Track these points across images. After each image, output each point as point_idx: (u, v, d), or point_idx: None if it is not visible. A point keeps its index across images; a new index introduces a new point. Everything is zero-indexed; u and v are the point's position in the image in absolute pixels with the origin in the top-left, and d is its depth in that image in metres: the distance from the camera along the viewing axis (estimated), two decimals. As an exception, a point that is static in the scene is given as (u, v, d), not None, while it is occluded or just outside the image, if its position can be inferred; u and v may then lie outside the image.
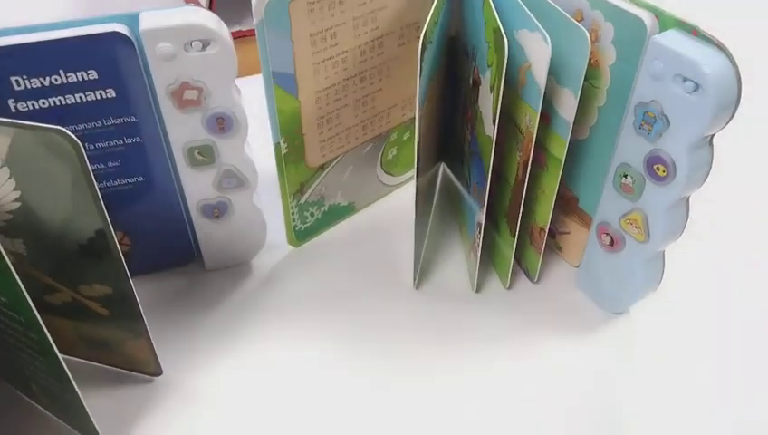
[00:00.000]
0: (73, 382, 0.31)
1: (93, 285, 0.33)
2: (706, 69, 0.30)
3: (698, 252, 0.45)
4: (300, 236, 0.46)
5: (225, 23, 0.35)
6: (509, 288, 0.43)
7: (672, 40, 0.31)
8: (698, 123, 0.31)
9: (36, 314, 0.28)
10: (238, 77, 0.36)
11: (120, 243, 0.41)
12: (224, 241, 0.43)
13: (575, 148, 0.39)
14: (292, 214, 0.44)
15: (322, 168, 0.44)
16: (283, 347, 0.40)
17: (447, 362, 0.40)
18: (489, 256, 0.44)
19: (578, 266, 0.43)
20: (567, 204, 0.42)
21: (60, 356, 0.30)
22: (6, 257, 0.26)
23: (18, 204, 0.30)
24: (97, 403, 0.36)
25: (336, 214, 0.48)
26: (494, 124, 0.34)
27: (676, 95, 0.32)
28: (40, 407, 0.37)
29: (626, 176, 0.36)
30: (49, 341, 0.29)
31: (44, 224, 0.31)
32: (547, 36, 0.32)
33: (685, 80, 0.31)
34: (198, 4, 0.62)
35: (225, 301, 0.43)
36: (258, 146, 0.40)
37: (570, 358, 0.40)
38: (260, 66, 0.36)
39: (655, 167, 0.34)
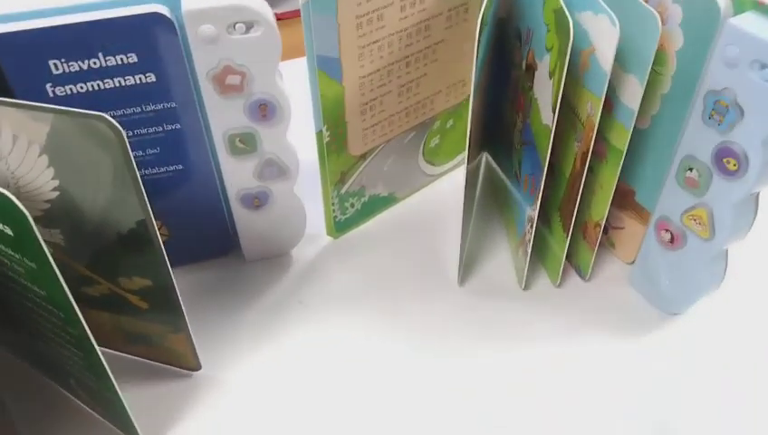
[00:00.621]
0: (113, 379, 0.30)
1: (133, 277, 0.32)
2: (788, 55, 0.28)
3: (763, 250, 0.42)
4: (339, 227, 0.45)
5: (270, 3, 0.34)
6: (559, 286, 0.41)
7: (749, 23, 0.29)
8: (779, 112, 0.29)
9: (77, 309, 0.27)
10: (282, 60, 0.34)
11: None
12: (263, 232, 0.41)
13: (634, 138, 0.37)
14: (333, 205, 0.43)
15: (364, 157, 0.42)
16: (322, 342, 0.39)
17: (493, 362, 0.38)
18: (538, 252, 0.42)
19: (632, 264, 0.41)
20: (623, 197, 0.40)
21: (99, 353, 0.29)
22: (47, 251, 0.25)
23: (57, 193, 0.29)
24: (134, 397, 0.35)
25: (376, 205, 0.46)
26: (554, 113, 0.32)
27: (752, 83, 0.29)
28: (78, 401, 0.36)
29: (691, 169, 0.34)
30: (89, 337, 0.28)
31: (83, 214, 0.30)
32: (615, 19, 0.30)
33: (763, 66, 0.29)
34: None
35: (265, 293, 0.42)
36: (298, 134, 0.39)
37: (623, 360, 0.38)
38: (297, 50, 0.34)
39: (725, 160, 0.32)
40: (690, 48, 0.32)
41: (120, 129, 0.26)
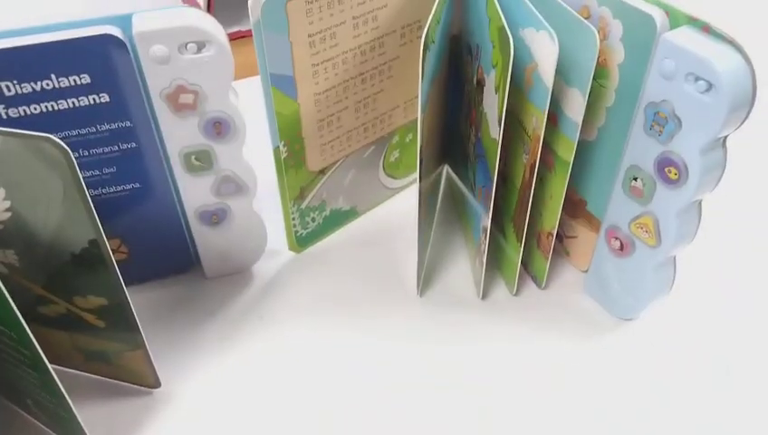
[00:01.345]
0: (68, 399, 0.30)
1: (88, 296, 0.32)
2: (719, 67, 0.29)
3: (711, 256, 0.43)
4: (301, 241, 0.45)
5: (224, 23, 0.34)
6: (516, 294, 0.42)
7: (683, 37, 0.30)
8: (711, 124, 0.30)
9: (27, 329, 0.27)
10: (238, 78, 0.35)
11: (116, 251, 0.40)
12: (223, 248, 0.42)
13: (583, 149, 0.38)
14: (293, 219, 0.43)
15: (323, 172, 0.43)
16: (284, 358, 0.39)
17: (453, 371, 0.39)
18: (495, 262, 0.43)
19: (586, 271, 0.42)
20: (575, 207, 0.41)
21: (52, 371, 0.29)
22: (-6, 271, 0.25)
23: (9, 214, 0.29)
24: (94, 416, 0.35)
25: (338, 219, 0.47)
26: (500, 126, 0.33)
27: (688, 95, 0.30)
28: (37, 422, 0.36)
29: (636, 179, 0.35)
30: (40, 356, 0.28)
31: (37, 234, 0.30)
32: (554, 35, 0.31)
33: (697, 79, 0.30)
34: (196, 5, 0.61)
35: (226, 309, 0.42)
36: (258, 149, 0.39)
37: (579, 366, 0.39)
38: (254, 68, 0.35)
39: (666, 169, 0.33)
40: (631, 62, 0.33)
41: (68, 149, 0.26)
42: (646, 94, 0.33)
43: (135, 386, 0.37)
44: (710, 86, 0.29)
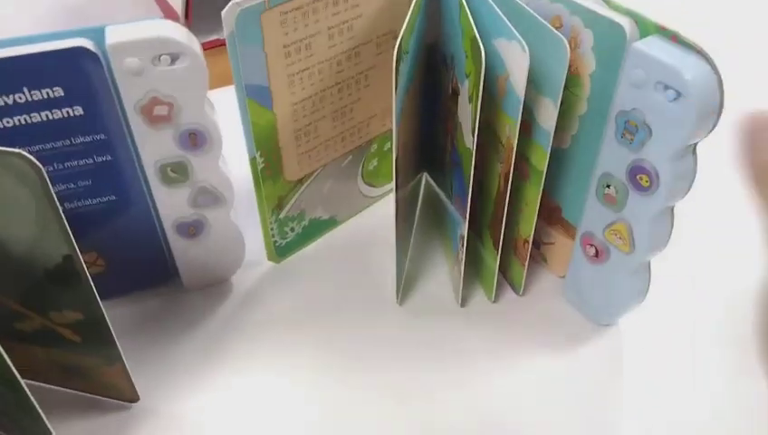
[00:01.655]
0: (42, 414, 0.30)
1: (63, 311, 0.32)
2: (688, 76, 0.29)
3: (684, 262, 0.44)
4: (280, 252, 0.45)
5: (203, 31, 0.34)
6: (494, 301, 0.43)
7: (652, 46, 0.31)
8: (681, 132, 0.31)
9: (-1, 346, 0.27)
10: (217, 87, 0.35)
11: (93, 264, 0.40)
12: (201, 260, 0.42)
13: (557, 157, 0.38)
14: (272, 230, 0.43)
15: (301, 181, 0.43)
16: (265, 368, 0.39)
17: (433, 378, 0.39)
18: (474, 269, 0.43)
19: (563, 277, 0.42)
20: (550, 214, 0.41)
21: (26, 389, 0.29)
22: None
23: (-20, 229, 0.29)
24: (72, 432, 0.35)
25: (317, 228, 0.47)
26: (474, 136, 0.34)
27: (657, 103, 0.31)
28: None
29: (609, 186, 0.35)
30: (13, 373, 0.28)
31: (9, 250, 0.30)
32: (525, 45, 0.31)
33: (666, 88, 0.30)
34: (174, 14, 0.61)
35: (205, 321, 0.42)
36: (236, 159, 0.39)
37: (557, 371, 0.39)
38: (230, 78, 0.35)
39: (638, 177, 0.33)
40: (602, 71, 0.34)
41: (39, 164, 0.26)
42: (617, 103, 0.33)
43: (114, 401, 0.37)
44: (678, 95, 0.30)
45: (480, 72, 0.32)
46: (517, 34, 0.31)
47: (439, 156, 0.46)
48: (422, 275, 0.45)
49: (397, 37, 0.41)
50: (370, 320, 0.42)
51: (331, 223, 0.48)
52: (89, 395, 0.37)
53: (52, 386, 0.37)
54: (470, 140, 0.35)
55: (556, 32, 0.32)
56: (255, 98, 0.37)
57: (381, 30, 0.41)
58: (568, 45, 0.31)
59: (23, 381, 0.29)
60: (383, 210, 0.49)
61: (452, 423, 0.37)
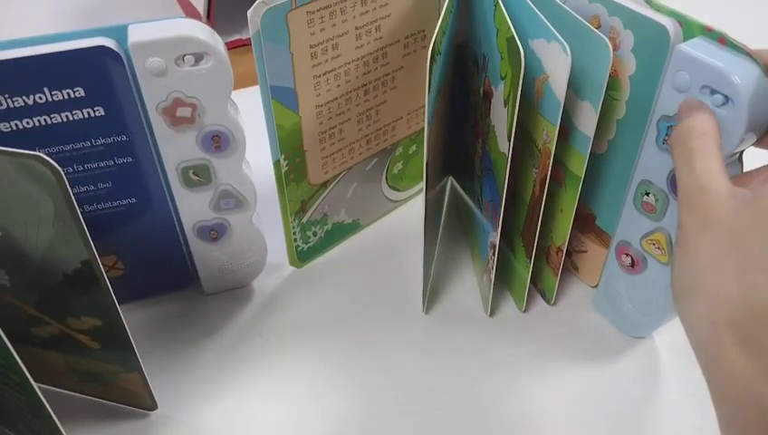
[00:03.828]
0: (58, 423, 0.29)
1: (82, 317, 0.31)
2: (736, 80, 0.28)
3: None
4: (302, 256, 0.44)
5: (225, 31, 0.33)
6: (525, 311, 0.41)
7: (698, 48, 0.29)
8: (728, 139, 0.29)
9: (12, 352, 0.26)
10: (240, 88, 0.34)
11: (113, 267, 0.39)
12: (222, 264, 0.41)
13: (592, 162, 0.37)
14: (294, 234, 0.42)
15: (325, 185, 0.42)
16: (286, 377, 0.38)
17: (461, 390, 0.37)
18: (503, 278, 0.42)
19: (595, 287, 0.41)
20: (584, 221, 0.40)
21: (41, 395, 0.28)
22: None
23: (-1, 233, 0.28)
24: (88, 440, 0.34)
25: (340, 232, 0.46)
26: (510, 141, 0.32)
27: (703, 108, 0.29)
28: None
29: (648, 194, 0.34)
30: (28, 379, 0.27)
31: (27, 254, 0.29)
32: (567, 47, 0.30)
33: (713, 92, 0.29)
34: (196, 13, 0.61)
35: (226, 327, 0.41)
36: (258, 162, 0.38)
37: (588, 385, 0.38)
38: (254, 78, 0.34)
39: (680, 184, 0.32)
40: (643, 73, 0.32)
41: (58, 167, 0.25)
42: (658, 107, 0.31)
43: (131, 408, 0.36)
44: (727, 99, 0.28)
45: (518, 75, 0.30)
46: (558, 35, 0.30)
47: (466, 160, 0.44)
48: (448, 282, 0.43)
49: (425, 38, 0.40)
50: (395, 328, 0.41)
51: (354, 227, 0.46)
52: (107, 402, 0.36)
53: (71, 392, 0.36)
54: (505, 145, 0.33)
55: (598, 32, 0.30)
56: (281, 99, 0.36)
57: (409, 30, 0.39)
58: (611, 47, 0.30)
59: (35, 385, 0.28)
60: (407, 215, 0.48)
61: (478, 432, 0.35)
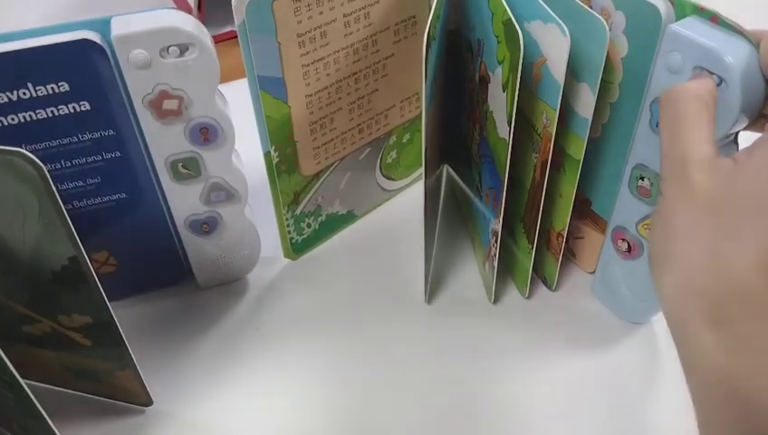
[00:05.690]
0: (50, 422, 0.29)
1: (72, 314, 0.31)
2: (730, 59, 0.27)
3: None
4: (297, 248, 0.44)
5: (216, 23, 0.33)
6: (528, 297, 0.41)
7: (690, 28, 0.29)
8: (722, 120, 0.28)
9: (0, 353, 0.26)
10: (230, 80, 0.33)
11: (105, 263, 0.39)
12: (216, 257, 0.40)
13: (587, 147, 0.36)
14: (288, 226, 0.42)
15: (318, 176, 0.41)
16: (283, 371, 0.38)
17: (465, 380, 0.37)
18: (505, 264, 0.42)
19: (593, 273, 0.40)
20: (579, 207, 0.39)
21: (30, 394, 0.28)
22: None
23: (-16, 231, 0.28)
24: (83, 437, 0.34)
25: (335, 223, 0.45)
26: (510, 126, 0.32)
27: (697, 89, 0.29)
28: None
29: (642, 178, 0.33)
30: (18, 380, 0.27)
31: (14, 253, 0.28)
32: (565, 28, 0.29)
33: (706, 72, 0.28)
34: (186, 5, 0.60)
35: (221, 321, 0.41)
36: (249, 154, 0.38)
37: (590, 370, 0.37)
38: (242, 70, 0.34)
39: (675, 167, 0.31)
40: (635, 55, 0.32)
41: (40, 163, 0.25)
42: (652, 89, 0.31)
43: (126, 404, 0.36)
44: (721, 80, 0.28)
45: (518, 58, 0.30)
46: (555, 17, 0.29)
47: (464, 148, 0.44)
48: (450, 271, 0.43)
49: (415, 24, 0.40)
50: (396, 319, 0.40)
51: (348, 218, 0.46)
52: (102, 399, 0.36)
53: (65, 389, 0.36)
54: (505, 130, 0.33)
55: (594, 13, 0.30)
56: (269, 90, 0.35)
57: (399, 17, 0.39)
58: (607, 27, 0.29)
59: (24, 383, 0.27)
60: (402, 204, 0.48)
61: (483, 422, 0.35)
